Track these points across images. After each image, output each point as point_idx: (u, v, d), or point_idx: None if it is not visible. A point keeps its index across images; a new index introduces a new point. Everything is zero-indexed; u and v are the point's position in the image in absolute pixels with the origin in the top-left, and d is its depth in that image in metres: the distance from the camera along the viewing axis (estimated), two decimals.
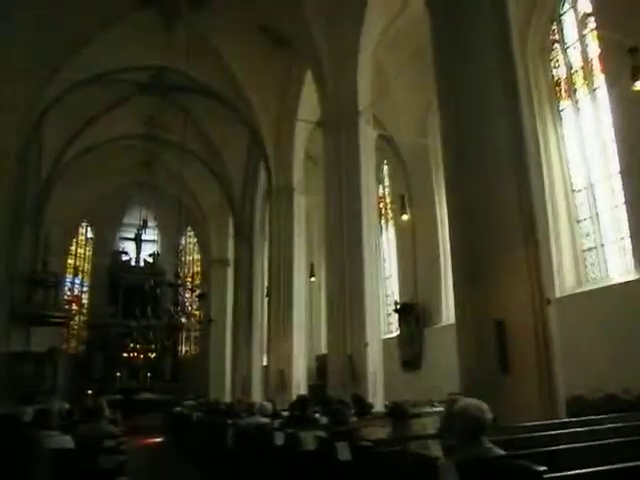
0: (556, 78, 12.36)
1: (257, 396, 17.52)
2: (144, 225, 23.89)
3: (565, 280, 11.35)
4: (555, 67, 12.42)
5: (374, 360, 11.15)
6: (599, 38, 11.02)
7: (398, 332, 16.90)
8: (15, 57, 14.01)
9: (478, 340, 6.36)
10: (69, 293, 25.64)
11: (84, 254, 26.93)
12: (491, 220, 6.54)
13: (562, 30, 12.26)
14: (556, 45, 12.38)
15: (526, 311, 6.15)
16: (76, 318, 25.67)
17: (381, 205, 18.34)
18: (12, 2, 11.97)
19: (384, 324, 16.88)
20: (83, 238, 26.90)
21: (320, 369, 20.12)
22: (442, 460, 2.97)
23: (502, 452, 3.04)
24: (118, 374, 23.39)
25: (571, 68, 12.00)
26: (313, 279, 19.49)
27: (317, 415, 7.27)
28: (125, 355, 23.81)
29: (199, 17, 14.72)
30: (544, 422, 4.97)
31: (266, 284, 18.72)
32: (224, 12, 14.74)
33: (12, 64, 13.88)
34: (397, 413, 4.64)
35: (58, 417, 5.50)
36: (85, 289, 26.77)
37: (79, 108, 17.61)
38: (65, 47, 14.86)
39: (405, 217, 14.41)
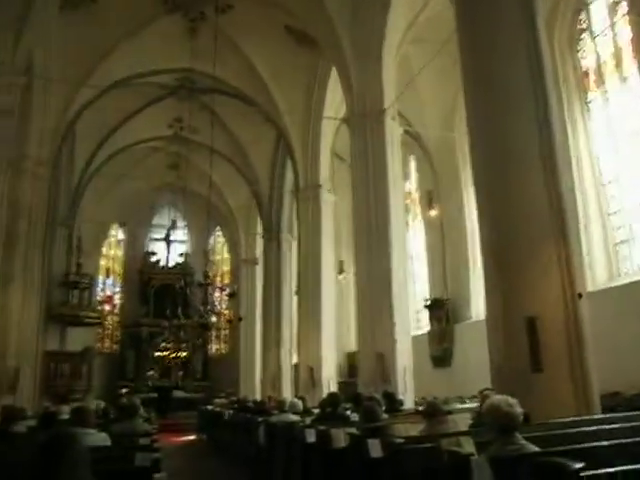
0: (584, 69, 12.14)
1: (287, 393, 17.60)
2: (173, 226, 24.21)
3: (597, 274, 11.15)
4: (583, 57, 12.20)
5: (404, 357, 11.13)
6: (631, 23, 10.79)
7: (428, 328, 16.82)
8: (51, 67, 14.42)
9: (509, 336, 6.30)
10: (102, 294, 26.08)
11: (116, 255, 27.37)
12: (520, 214, 6.47)
13: (590, 19, 12.03)
14: (584, 35, 12.16)
15: (557, 306, 6.07)
16: (109, 318, 26.09)
17: (408, 201, 18.25)
18: (49, 17, 12.28)
19: (414, 321, 16.81)
20: (114, 240, 27.34)
21: (350, 366, 20.15)
22: (475, 457, 2.95)
23: (536, 449, 3.02)
24: (150, 373, 23.71)
25: (600, 58, 11.77)
26: (342, 276, 19.52)
27: (348, 412, 7.29)
28: (157, 354, 24.12)
29: (224, 20, 14.83)
30: (578, 418, 4.91)
31: (295, 282, 18.78)
32: (248, 14, 14.84)
33: (48, 74, 14.25)
34: (430, 412, 4.63)
35: (94, 415, 5.61)
36: (117, 290, 27.19)
37: (108, 113, 17.92)
38: (95, 55, 15.21)
39: (433, 212, 14.35)
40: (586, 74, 12.09)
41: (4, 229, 10.59)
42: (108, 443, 4.79)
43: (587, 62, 12.07)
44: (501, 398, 3.15)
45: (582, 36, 12.19)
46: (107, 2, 13.97)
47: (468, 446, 3.42)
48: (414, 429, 5.07)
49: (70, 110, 16.04)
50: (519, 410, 3.07)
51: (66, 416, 6.61)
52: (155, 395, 21.57)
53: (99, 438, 4.74)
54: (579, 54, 12.24)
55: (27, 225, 15.07)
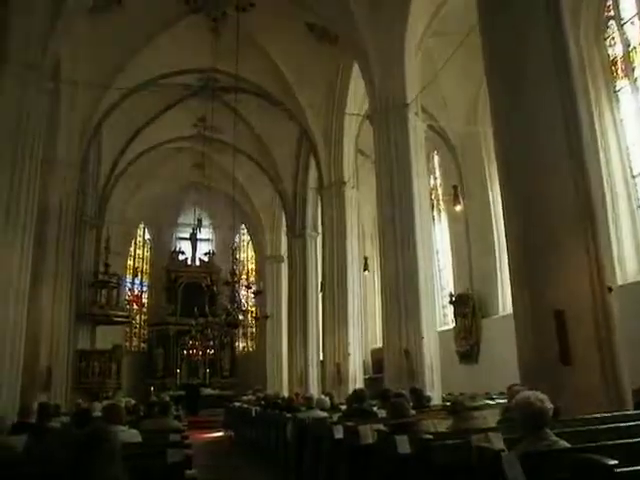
0: (612, 57, 11.91)
1: (314, 390, 17.65)
2: (199, 224, 24.41)
3: (627, 267, 10.96)
4: (610, 45, 11.96)
5: (430, 353, 11.09)
6: None
7: (454, 324, 16.72)
8: (78, 71, 14.72)
9: (537, 330, 6.23)
10: (130, 293, 26.43)
11: (142, 255, 27.72)
12: (547, 208, 6.39)
13: (618, 5, 11.79)
14: (611, 22, 11.92)
15: (586, 300, 5.99)
16: (137, 317, 26.44)
17: (432, 196, 18.14)
18: (77, 21, 12.52)
19: (440, 316, 16.72)
20: (141, 239, 27.69)
21: (376, 363, 20.13)
22: (506, 453, 2.93)
23: (567, 445, 2.99)
24: (178, 370, 24.00)
25: (629, 45, 11.53)
26: (367, 273, 19.47)
27: (375, 408, 7.29)
28: (184, 352, 24.40)
29: (245, 19, 14.91)
30: (610, 414, 4.83)
31: (320, 279, 18.82)
32: (269, 12, 14.89)
33: (75, 77, 14.51)
34: (455, 409, 4.62)
35: (125, 412, 5.71)
36: (145, 289, 27.55)
37: (133, 114, 18.17)
38: (120, 57, 15.46)
39: (458, 207, 14.24)
40: (614, 62, 11.87)
41: (35, 231, 10.79)
42: (139, 439, 4.87)
43: (615, 50, 11.84)
44: (531, 393, 3.13)
45: (609, 23, 11.95)
46: (131, 5, 14.16)
47: (497, 442, 3.40)
48: (442, 425, 5.05)
49: (97, 113, 16.33)
50: (549, 405, 3.05)
51: (98, 413, 6.74)
52: (183, 393, 21.84)
53: (130, 435, 4.82)
54: (606, 42, 12.00)
55: (57, 226, 15.38)
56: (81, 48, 14.60)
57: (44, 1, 10.86)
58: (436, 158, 18.69)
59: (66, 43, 13.22)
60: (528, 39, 6.89)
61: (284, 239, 23.59)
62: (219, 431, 16.54)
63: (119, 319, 20.32)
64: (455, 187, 14.58)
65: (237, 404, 15.56)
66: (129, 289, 26.41)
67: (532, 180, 6.53)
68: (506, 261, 7.31)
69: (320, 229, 18.71)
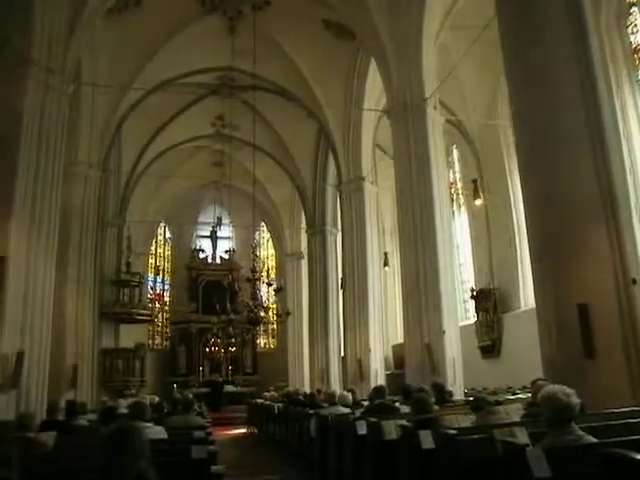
0: (634, 45, 11.72)
1: (336, 386, 17.69)
2: (219, 222, 24.56)
3: None
4: (633, 33, 11.76)
5: (452, 348, 11.06)
6: None
7: (475, 319, 16.63)
8: (97, 73, 14.98)
9: (560, 325, 6.19)
10: (152, 292, 26.67)
11: (164, 253, 27.96)
12: (569, 200, 6.34)
13: None
14: (634, 9, 11.72)
15: (610, 293, 5.92)
16: (159, 315, 26.68)
17: (452, 190, 18.04)
18: (96, 24, 12.72)
19: (461, 311, 16.65)
20: (162, 238, 27.93)
21: (397, 358, 20.10)
22: (531, 447, 2.92)
23: (594, 439, 2.96)
24: (201, 368, 24.18)
25: None
26: (387, 268, 19.44)
27: (397, 404, 7.28)
28: (207, 349, 24.58)
29: (261, 17, 14.96)
30: (637, 408, 4.77)
31: (340, 275, 18.84)
32: (286, 10, 14.92)
33: (95, 79, 14.71)
34: (477, 405, 4.60)
35: (150, 409, 5.78)
36: (166, 287, 27.80)
37: (152, 114, 18.33)
38: (138, 58, 15.63)
39: (478, 202, 14.15)
40: (636, 50, 11.67)
41: (58, 231, 10.96)
42: (164, 436, 4.93)
43: (637, 37, 11.64)
44: (558, 387, 3.11)
45: (632, 10, 11.75)
46: (149, 7, 14.31)
47: (522, 437, 3.39)
48: (465, 420, 5.04)
49: (116, 113, 16.53)
50: (576, 400, 3.02)
51: (124, 410, 6.83)
52: (206, 390, 22.01)
53: (156, 431, 4.87)
54: (628, 29, 11.81)
55: (79, 226, 15.61)
56: (100, 50, 14.86)
57: (65, 5, 11.02)
58: (455, 152, 18.58)
59: (86, 46, 13.42)
60: (547, 29, 6.82)
61: (304, 236, 23.62)
62: (242, 428, 16.64)
63: (142, 317, 20.55)
64: (475, 181, 14.50)
65: (259, 401, 15.64)
66: (151, 287, 26.64)
67: (553, 172, 6.48)
68: (527, 255, 7.27)
69: (339, 225, 18.71)
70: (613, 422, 3.89)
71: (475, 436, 3.73)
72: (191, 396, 7.79)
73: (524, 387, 10.68)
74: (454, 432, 3.84)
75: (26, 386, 9.45)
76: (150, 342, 25.23)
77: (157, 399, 11.15)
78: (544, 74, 6.76)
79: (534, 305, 7.08)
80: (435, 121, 12.32)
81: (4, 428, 5.04)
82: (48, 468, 3.44)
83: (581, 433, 2.96)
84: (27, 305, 9.76)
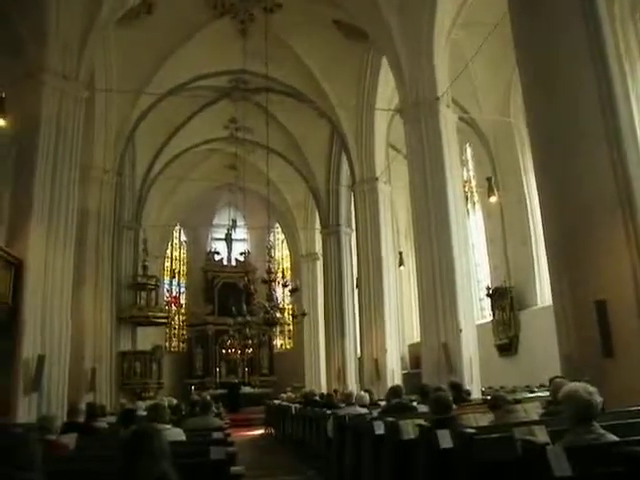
0: None
1: (352, 386, 17.68)
2: (233, 225, 24.67)
3: None
4: None
5: (469, 346, 11.02)
6: None
7: (491, 317, 16.54)
8: (111, 79, 15.14)
9: (577, 322, 6.14)
10: (168, 294, 26.83)
11: (179, 256, 28.13)
12: (585, 197, 6.29)
13: None
14: None
15: (628, 288, 5.87)
16: (176, 318, 26.83)
17: (466, 188, 17.95)
18: (109, 31, 12.89)
19: (477, 310, 16.56)
20: (177, 241, 28.10)
21: (413, 358, 20.05)
22: (551, 446, 2.90)
23: (615, 438, 2.93)
24: (217, 369, 24.29)
25: None
26: (402, 268, 19.41)
27: (414, 404, 7.27)
28: (223, 351, 24.68)
29: (273, 19, 15.01)
30: None
31: (355, 275, 18.83)
32: (297, 11, 14.95)
33: (109, 86, 14.88)
34: (495, 404, 4.58)
35: (169, 411, 5.83)
36: (182, 290, 27.95)
37: (165, 118, 18.45)
38: (151, 64, 15.77)
39: (493, 200, 14.08)
40: None
41: (75, 235, 11.10)
42: (183, 438, 4.96)
43: None
44: (580, 385, 3.07)
45: None
46: (161, 13, 14.43)
47: (541, 435, 3.36)
48: (483, 419, 5.01)
49: (130, 118, 16.67)
50: (599, 399, 2.98)
51: (142, 412, 6.89)
52: (223, 391, 22.11)
53: (174, 433, 4.91)
54: None
55: (96, 230, 15.76)
56: (114, 57, 15.02)
57: (78, 14, 11.16)
58: (469, 150, 18.48)
59: (100, 53, 13.57)
60: (560, 23, 6.76)
61: (318, 236, 23.64)
62: (259, 428, 16.69)
63: (158, 320, 20.65)
64: (489, 179, 14.42)
65: (276, 402, 15.69)
66: (167, 290, 26.80)
67: (569, 167, 6.43)
68: (543, 252, 7.23)
69: (354, 225, 18.70)
70: (634, 420, 3.85)
71: (494, 435, 3.71)
72: (209, 398, 7.84)
73: (542, 385, 10.60)
74: (472, 431, 3.83)
75: (47, 389, 9.59)
76: (167, 344, 25.38)
77: (175, 401, 11.24)
78: (558, 69, 6.71)
79: (551, 302, 7.03)
80: (448, 119, 12.28)
81: (26, 430, 5.11)
82: (70, 470, 3.48)
83: (602, 431, 2.93)
84: (46, 309, 9.90)
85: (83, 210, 14.32)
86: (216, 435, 5.16)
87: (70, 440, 4.77)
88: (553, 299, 6.75)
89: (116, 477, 2.73)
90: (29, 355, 9.40)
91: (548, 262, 6.91)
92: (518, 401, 6.12)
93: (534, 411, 5.15)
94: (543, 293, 14.51)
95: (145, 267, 20.20)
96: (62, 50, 10.94)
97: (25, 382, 9.28)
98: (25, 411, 9.14)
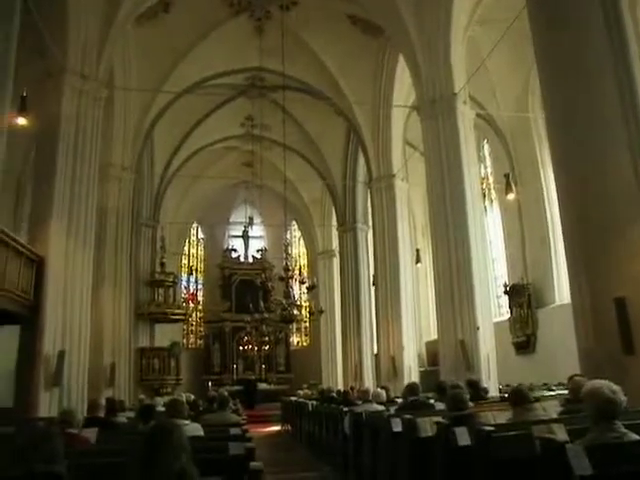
0: None
1: (369, 383, 17.67)
2: (250, 222, 24.77)
3: None
4: None
5: (486, 344, 10.98)
6: None
7: (509, 315, 16.44)
8: (129, 78, 15.29)
9: (597, 319, 6.08)
10: (185, 291, 27.03)
11: (196, 253, 28.31)
12: (605, 192, 6.21)
13: None
14: None
15: None
16: (193, 314, 27.01)
17: (484, 185, 17.84)
18: (127, 31, 13.04)
19: (494, 307, 16.46)
20: (194, 238, 28.28)
21: (430, 355, 20.01)
22: (571, 445, 2.87)
23: (638, 437, 2.90)
24: (234, 366, 24.43)
25: None
26: (419, 265, 19.34)
27: (432, 401, 7.26)
28: (240, 348, 24.81)
29: (289, 17, 15.03)
30: None
31: (372, 272, 18.82)
32: (313, 8, 14.95)
33: (126, 85, 15.03)
34: (517, 398, 4.53)
35: (187, 407, 5.87)
36: (200, 287, 28.14)
37: (182, 117, 18.57)
38: (169, 62, 15.90)
39: (511, 196, 13.97)
40: None
41: (94, 232, 11.24)
42: (201, 433, 5.00)
43: None
44: (603, 383, 3.03)
45: None
46: (178, 12, 14.54)
47: (561, 433, 3.34)
48: (501, 417, 4.99)
49: (148, 116, 16.80)
50: (622, 397, 2.95)
51: (161, 408, 6.95)
52: (240, 388, 22.22)
53: (193, 428, 4.94)
54: None
55: (114, 228, 15.91)
56: (132, 56, 15.18)
57: (97, 15, 11.31)
58: (486, 147, 18.37)
59: (118, 52, 13.71)
60: (578, 13, 6.67)
61: (335, 234, 23.65)
62: (276, 425, 16.75)
63: (176, 317, 20.82)
64: (507, 175, 14.29)
65: (293, 398, 15.73)
66: (185, 287, 26.99)
67: (588, 164, 6.36)
68: (561, 249, 7.17)
69: (371, 223, 18.67)
70: None
71: (512, 433, 3.70)
72: (226, 394, 7.88)
73: (560, 383, 10.53)
74: (490, 429, 3.82)
75: (67, 384, 9.73)
76: (185, 341, 25.57)
77: (192, 397, 11.32)
78: (577, 62, 6.62)
79: (569, 300, 6.97)
80: (465, 116, 12.22)
81: (49, 424, 5.19)
82: (93, 463, 3.54)
83: (624, 430, 2.90)
84: (67, 306, 10.04)
85: (102, 208, 14.47)
86: (234, 431, 5.19)
87: (91, 434, 4.83)
88: (571, 296, 6.70)
89: (136, 471, 2.76)
90: (50, 351, 9.55)
91: (566, 258, 6.84)
92: (536, 399, 6.08)
93: (553, 409, 5.12)
94: (561, 290, 14.39)
95: (163, 264, 20.37)
96: (82, 50, 11.10)
97: (46, 377, 9.43)
98: (46, 405, 9.29)
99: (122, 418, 6.84)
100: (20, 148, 13.93)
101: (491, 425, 4.11)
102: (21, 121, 9.81)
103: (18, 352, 9.64)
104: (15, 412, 9.11)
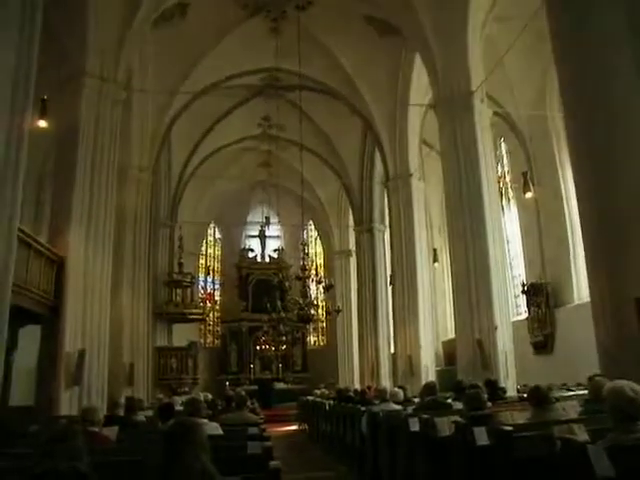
0: None
1: (386, 383, 17.64)
2: (267, 222, 24.84)
3: None
4: None
5: (504, 343, 10.91)
6: None
7: (527, 314, 16.32)
8: (147, 80, 15.45)
9: (617, 319, 6.01)
10: (202, 291, 27.18)
11: (214, 253, 28.45)
12: (624, 190, 6.13)
13: None
14: None
15: None
16: (210, 314, 27.13)
17: (501, 184, 17.71)
18: (144, 34, 13.15)
19: (512, 306, 16.33)
20: (212, 238, 28.43)
21: (447, 354, 19.92)
22: (592, 445, 2.85)
23: None
24: (252, 366, 24.52)
25: None
26: (436, 264, 19.29)
27: (449, 400, 7.23)
28: (257, 347, 24.89)
29: (305, 16, 15.05)
30: None
31: (389, 272, 18.77)
32: (328, 8, 14.96)
33: (144, 87, 15.18)
34: (537, 397, 4.50)
35: (206, 406, 5.92)
36: (217, 287, 28.28)
37: (199, 118, 18.66)
38: (185, 64, 16.01)
39: (529, 195, 13.88)
40: None
41: (113, 233, 11.36)
42: (220, 432, 5.04)
43: None
44: (625, 383, 3.01)
45: None
46: (194, 14, 14.64)
47: (581, 434, 3.32)
48: (520, 417, 4.97)
49: (165, 118, 16.92)
50: None
51: (179, 407, 7.01)
52: (257, 387, 22.30)
53: (211, 427, 4.99)
54: None
55: (133, 228, 16.05)
56: (149, 58, 15.30)
57: (115, 18, 11.44)
58: (503, 145, 18.24)
59: (136, 55, 13.84)
60: (598, 9, 6.58)
61: (351, 233, 23.64)
62: (293, 424, 16.79)
63: (194, 317, 20.94)
64: (524, 174, 14.21)
65: (310, 398, 15.76)
66: (202, 287, 27.14)
67: (607, 161, 6.29)
68: (580, 248, 7.12)
69: (387, 222, 18.63)
70: None
71: (532, 433, 3.68)
72: (244, 393, 7.92)
73: (579, 384, 10.43)
74: (510, 428, 3.80)
75: (87, 383, 9.85)
76: (202, 341, 25.69)
77: (210, 396, 11.40)
78: (596, 58, 6.53)
79: (588, 299, 6.90)
80: (482, 114, 12.15)
81: (70, 422, 5.27)
82: (113, 461, 3.59)
83: None
84: (86, 305, 10.15)
85: (121, 209, 14.58)
86: (252, 430, 5.23)
87: (111, 432, 4.90)
88: (591, 295, 6.63)
89: (157, 469, 2.79)
90: (71, 350, 9.67)
91: (586, 256, 6.77)
92: (556, 399, 6.04)
93: (572, 409, 5.08)
94: (580, 289, 14.26)
95: (181, 264, 20.50)
96: (101, 54, 11.23)
97: (67, 376, 9.56)
98: (67, 404, 9.42)
99: (141, 417, 6.91)
100: (40, 150, 14.11)
101: (510, 425, 4.10)
102: (42, 124, 9.98)
103: (39, 351, 9.80)
104: (37, 410, 9.26)
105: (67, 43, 10.35)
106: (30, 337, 9.72)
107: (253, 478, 3.60)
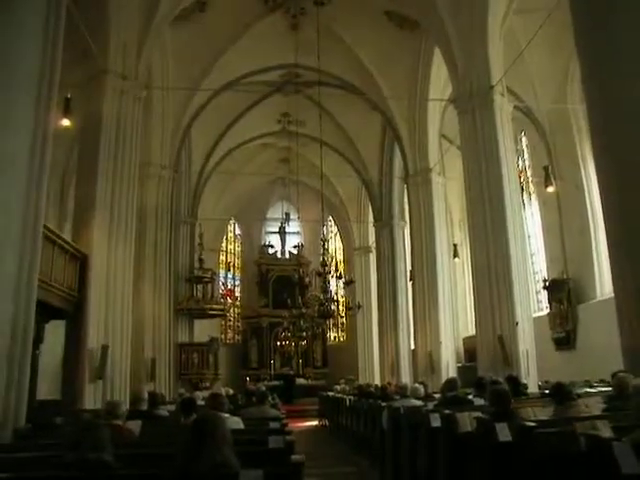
0: None
1: (406, 379, 17.61)
2: (287, 218, 24.88)
3: None
4: None
5: (525, 339, 10.83)
6: None
7: (548, 310, 16.17)
8: (167, 77, 15.55)
9: None
10: (223, 287, 27.35)
11: (234, 250, 28.61)
12: None
13: None
14: None
15: None
16: (231, 310, 27.29)
17: (522, 178, 17.53)
18: (164, 31, 13.27)
19: (533, 302, 16.19)
20: (232, 235, 28.57)
21: (467, 351, 19.80)
22: (618, 442, 2.82)
23: None
24: (272, 361, 24.64)
25: None
26: (457, 260, 19.16)
27: (470, 396, 7.21)
28: (277, 343, 25.00)
29: (324, 12, 15.03)
30: None
31: (409, 268, 18.70)
32: (347, 4, 14.93)
33: (165, 84, 15.31)
34: (560, 394, 4.47)
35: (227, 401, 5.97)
36: (237, 283, 28.43)
37: (219, 114, 18.76)
38: (205, 61, 16.12)
39: (551, 189, 13.73)
40: None
41: (135, 230, 11.49)
42: (242, 426, 5.08)
43: None
44: None
45: None
46: (214, 11, 14.73)
47: (605, 430, 3.29)
48: (542, 413, 4.93)
49: (186, 115, 17.05)
50: None
51: (200, 402, 7.08)
52: (277, 383, 22.41)
53: (233, 422, 5.03)
54: None
55: (154, 225, 16.21)
56: (170, 56, 15.43)
57: (136, 17, 11.55)
58: (524, 139, 18.05)
59: (156, 52, 13.95)
60: (622, 9, 6.49)
61: (371, 229, 23.60)
62: (314, 420, 16.84)
63: (214, 313, 21.07)
64: (546, 168, 14.05)
65: (330, 393, 15.79)
66: (222, 283, 27.31)
67: (631, 154, 6.19)
68: (603, 243, 7.05)
69: (407, 218, 18.57)
70: None
71: (555, 429, 3.65)
72: (264, 388, 7.98)
73: (601, 380, 10.32)
74: (533, 424, 3.78)
75: (111, 378, 9.99)
76: (223, 336, 25.87)
77: (231, 391, 11.49)
78: (620, 51, 6.44)
79: (611, 294, 6.82)
80: (503, 108, 12.04)
81: (94, 416, 5.37)
82: (137, 454, 3.64)
83: None
84: (109, 302, 10.29)
85: (142, 206, 14.75)
86: (273, 425, 5.26)
87: (135, 426, 4.97)
88: (614, 290, 6.54)
89: (181, 462, 2.83)
90: (94, 345, 9.82)
91: (609, 251, 6.68)
92: (578, 396, 5.98)
93: (596, 406, 5.03)
94: (603, 285, 14.08)
95: (201, 260, 20.63)
96: (122, 52, 11.36)
97: (90, 371, 9.72)
98: (91, 398, 9.57)
99: (163, 411, 6.99)
100: (63, 148, 14.32)
101: (533, 421, 4.07)
102: (65, 122, 10.12)
103: (64, 346, 9.97)
104: (63, 404, 9.43)
105: (89, 41, 10.45)
106: (55, 332, 9.89)
107: (275, 472, 3.63)
